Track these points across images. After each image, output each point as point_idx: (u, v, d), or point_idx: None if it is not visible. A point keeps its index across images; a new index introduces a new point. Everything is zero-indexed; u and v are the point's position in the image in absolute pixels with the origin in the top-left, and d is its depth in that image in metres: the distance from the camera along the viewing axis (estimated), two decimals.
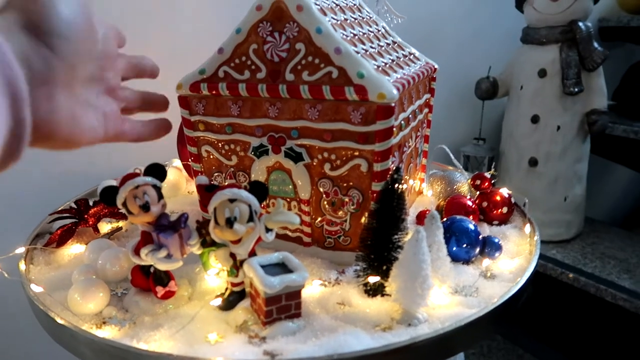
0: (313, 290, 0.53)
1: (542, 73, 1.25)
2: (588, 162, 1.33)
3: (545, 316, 1.46)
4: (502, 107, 1.42)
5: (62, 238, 0.63)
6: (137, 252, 0.50)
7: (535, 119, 1.27)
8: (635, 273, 1.19)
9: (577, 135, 1.27)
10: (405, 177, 0.67)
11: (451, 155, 0.78)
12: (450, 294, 0.52)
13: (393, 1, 0.82)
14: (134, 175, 0.50)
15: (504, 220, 0.68)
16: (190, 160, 0.67)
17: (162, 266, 0.49)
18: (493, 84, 1.33)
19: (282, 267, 0.49)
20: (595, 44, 1.20)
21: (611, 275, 1.19)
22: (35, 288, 0.51)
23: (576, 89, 1.20)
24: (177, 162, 0.86)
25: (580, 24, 1.20)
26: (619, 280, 1.16)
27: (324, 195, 0.59)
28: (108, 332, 0.47)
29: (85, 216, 0.66)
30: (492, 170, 0.72)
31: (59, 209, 0.69)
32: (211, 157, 0.65)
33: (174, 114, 0.83)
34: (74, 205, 0.67)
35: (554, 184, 1.29)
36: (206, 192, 0.50)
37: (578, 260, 1.25)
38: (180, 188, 0.81)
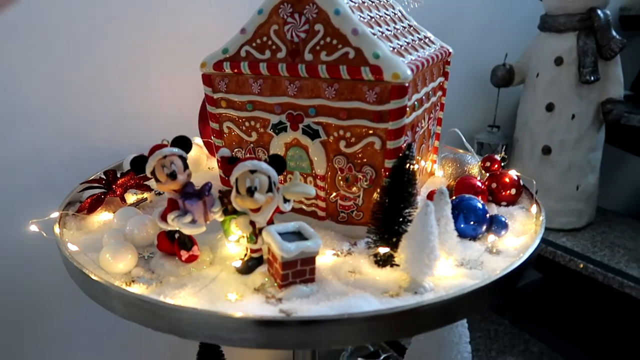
0: (326, 259, 0.57)
1: (559, 61, 1.25)
2: (602, 151, 1.34)
3: (553, 302, 1.48)
4: (518, 95, 1.42)
5: (92, 206, 0.67)
6: (163, 217, 0.54)
7: (550, 107, 1.28)
8: None
9: (592, 124, 1.27)
10: (417, 157, 0.69)
11: (463, 138, 0.81)
12: (455, 266, 0.55)
13: None
14: (161, 146, 0.53)
15: (512, 201, 0.70)
16: (212, 136, 0.70)
17: (187, 231, 0.52)
18: (509, 71, 1.34)
19: (297, 235, 0.52)
20: (614, 32, 1.20)
21: (620, 263, 1.20)
22: (72, 247, 0.55)
23: (592, 78, 1.20)
24: (198, 140, 0.89)
25: (599, 11, 1.20)
26: (627, 269, 1.17)
27: (339, 172, 0.62)
28: (137, 290, 0.51)
29: (113, 186, 0.70)
30: (502, 153, 0.74)
31: (89, 179, 0.73)
32: (232, 133, 0.68)
33: (196, 93, 0.87)
34: (103, 176, 0.71)
35: (567, 172, 1.30)
36: (228, 163, 0.53)
37: (587, 249, 1.27)
38: (201, 164, 0.85)
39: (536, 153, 1.32)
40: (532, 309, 1.47)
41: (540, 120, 1.30)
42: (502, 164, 0.73)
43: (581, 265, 1.21)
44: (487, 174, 0.73)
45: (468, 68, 1.45)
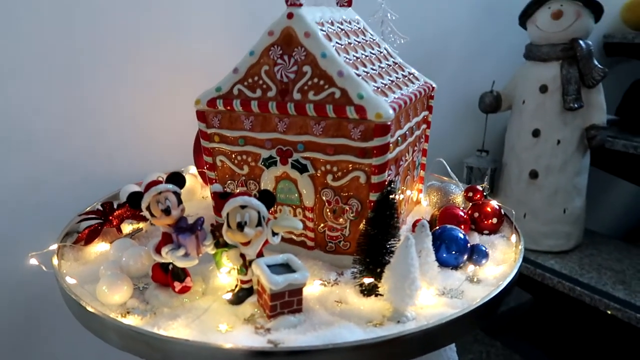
0: (314, 289, 0.59)
1: (544, 89, 1.29)
2: (589, 175, 1.38)
3: (543, 324, 1.50)
4: (505, 121, 1.46)
5: (90, 237, 0.69)
6: (158, 250, 0.56)
7: (536, 133, 1.32)
8: (630, 284, 1.23)
9: (577, 149, 1.31)
10: (402, 188, 0.72)
11: (448, 168, 0.84)
12: (437, 295, 0.58)
13: (399, 19, 0.88)
14: (156, 182, 0.56)
15: (493, 230, 0.73)
16: (205, 168, 0.73)
17: (180, 263, 0.55)
18: (496, 98, 1.38)
19: (286, 267, 0.55)
20: (595, 62, 1.25)
21: (606, 285, 1.23)
22: (70, 280, 0.57)
23: (576, 105, 1.25)
24: (193, 169, 0.92)
25: (581, 42, 1.25)
26: (613, 291, 1.20)
27: (327, 204, 0.65)
28: (132, 321, 0.53)
29: (110, 217, 0.72)
30: (485, 183, 0.78)
31: (86, 210, 0.75)
32: (225, 166, 0.71)
33: (191, 125, 0.90)
34: (100, 208, 0.73)
35: (553, 196, 1.33)
36: (220, 198, 0.56)
37: (575, 271, 1.29)
38: (195, 193, 0.88)
39: (524, 177, 1.35)
40: (524, 330, 1.49)
41: (526, 145, 1.34)
42: (485, 194, 0.76)
43: (566, 287, 1.24)
44: (470, 204, 0.76)
45: (457, 94, 1.50)
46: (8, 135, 0.87)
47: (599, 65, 1.25)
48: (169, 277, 0.58)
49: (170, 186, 0.56)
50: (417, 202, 0.83)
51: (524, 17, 1.34)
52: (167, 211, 0.54)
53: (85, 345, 1.01)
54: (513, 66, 1.42)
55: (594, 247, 1.43)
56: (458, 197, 0.78)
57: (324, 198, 0.65)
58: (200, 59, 1.03)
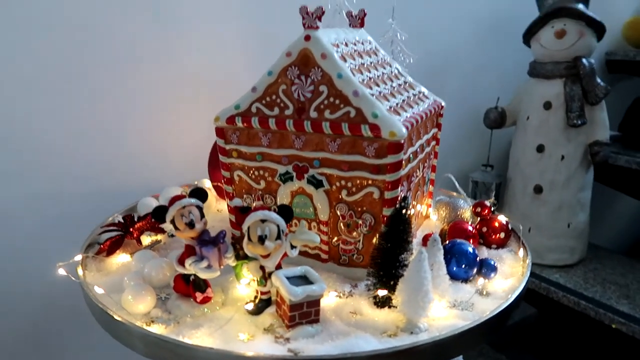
0: (329, 300, 0.62)
1: (548, 105, 1.32)
2: (592, 190, 1.40)
3: (548, 337, 1.51)
4: (510, 136, 1.49)
5: (111, 248, 0.72)
6: (181, 262, 0.59)
7: (540, 149, 1.34)
8: (634, 299, 1.25)
9: (581, 165, 1.34)
10: (413, 202, 0.75)
11: (456, 183, 0.86)
12: (448, 307, 0.60)
13: (405, 41, 0.91)
14: (180, 197, 0.59)
15: (501, 244, 0.76)
16: (222, 182, 0.76)
17: (203, 275, 0.57)
18: (501, 114, 1.41)
19: (303, 279, 0.57)
20: (598, 80, 1.28)
21: (611, 300, 1.24)
22: (98, 290, 0.60)
23: (579, 122, 1.27)
24: (208, 183, 0.95)
25: (584, 60, 1.28)
26: (617, 305, 1.21)
27: (341, 218, 0.67)
28: (156, 330, 0.55)
29: (131, 229, 0.75)
30: (492, 199, 0.80)
31: (107, 222, 0.78)
32: (242, 180, 0.74)
33: (206, 140, 0.93)
34: (121, 220, 0.76)
35: (558, 211, 1.35)
36: (241, 212, 0.59)
37: (580, 285, 1.31)
38: (210, 206, 0.90)
39: (528, 192, 1.38)
40: (529, 344, 1.50)
41: (531, 161, 1.36)
42: (492, 209, 0.79)
43: (571, 301, 1.25)
44: (478, 219, 0.78)
45: (462, 110, 1.53)
46: (30, 149, 0.90)
47: (602, 83, 1.28)
48: (190, 287, 0.60)
49: (193, 200, 0.59)
50: (427, 217, 0.85)
51: (528, 36, 1.37)
52: (191, 224, 0.57)
53: (103, 353, 1.03)
54: (517, 83, 1.45)
55: (598, 261, 1.44)
56: (466, 211, 0.80)
57: (338, 212, 0.67)
58: (216, 77, 1.07)
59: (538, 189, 1.35)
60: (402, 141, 0.61)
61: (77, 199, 0.96)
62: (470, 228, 0.73)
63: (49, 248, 0.84)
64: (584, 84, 1.28)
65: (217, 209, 0.91)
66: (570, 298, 1.26)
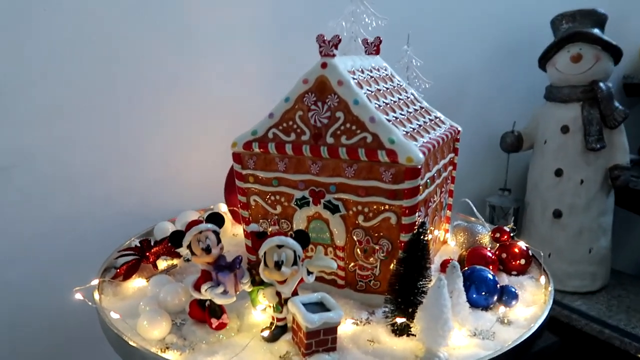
0: (346, 328, 0.60)
1: (565, 129, 1.31)
2: (614, 214, 1.37)
3: None
4: (527, 159, 1.48)
5: (128, 272, 0.72)
6: (197, 287, 0.59)
7: (559, 172, 1.33)
8: None
9: (601, 189, 1.31)
10: (431, 228, 0.74)
11: (474, 208, 0.85)
12: (469, 336, 0.59)
13: (420, 67, 0.91)
14: (197, 222, 0.59)
15: (521, 271, 0.74)
16: (239, 207, 0.76)
17: (219, 300, 0.57)
18: (518, 137, 1.40)
19: (320, 306, 0.56)
20: (616, 103, 1.27)
21: (636, 328, 1.20)
22: (114, 315, 0.60)
23: (598, 146, 1.26)
24: (223, 207, 0.96)
25: (601, 84, 1.27)
26: None
27: (357, 243, 0.67)
28: (171, 356, 0.55)
29: (147, 254, 0.75)
30: (511, 224, 0.79)
31: (124, 246, 0.78)
32: (258, 205, 0.74)
33: (221, 165, 0.94)
34: (137, 244, 0.76)
35: (578, 235, 1.33)
36: (257, 238, 0.59)
37: (603, 313, 1.27)
38: (226, 231, 0.90)
39: (547, 216, 1.35)
40: None
41: (549, 184, 1.34)
42: (512, 235, 0.77)
43: (594, 330, 1.21)
44: (497, 244, 0.77)
45: (478, 134, 1.52)
46: (50, 175, 0.92)
47: (620, 107, 1.27)
48: (206, 313, 0.60)
49: (210, 225, 0.59)
50: (444, 242, 0.84)
51: (544, 60, 1.37)
52: (207, 250, 0.57)
53: None
54: (533, 106, 1.45)
55: (622, 287, 1.40)
56: (485, 237, 0.79)
57: (355, 238, 0.67)
58: (233, 103, 1.08)
59: (557, 214, 1.33)
60: (419, 166, 0.60)
61: (94, 222, 0.97)
62: (489, 254, 0.72)
63: (66, 271, 0.84)
64: (602, 107, 1.27)
65: (233, 234, 0.91)
66: (593, 326, 1.23)
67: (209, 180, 1.06)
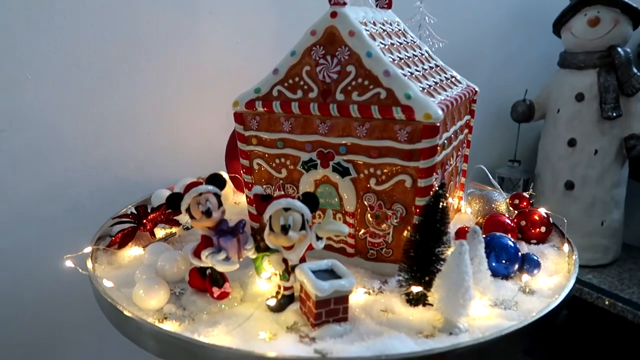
0: (357, 297, 0.56)
1: (580, 97, 1.26)
2: (627, 187, 1.32)
3: (579, 341, 1.44)
4: (538, 130, 1.42)
5: (123, 240, 0.68)
6: (197, 254, 0.54)
7: (572, 143, 1.28)
8: None
9: (615, 159, 1.27)
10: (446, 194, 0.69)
11: (489, 175, 0.81)
12: (490, 306, 0.55)
13: (433, 26, 0.86)
14: (197, 183, 0.54)
15: (542, 239, 0.70)
16: (242, 172, 0.71)
17: (221, 268, 0.53)
18: (529, 107, 1.35)
19: (330, 273, 0.52)
20: (635, 69, 1.21)
21: None
22: (107, 283, 0.56)
23: (614, 114, 1.20)
24: (225, 175, 0.91)
25: (619, 49, 1.21)
26: None
27: (369, 209, 0.62)
28: (169, 327, 0.51)
29: (144, 221, 0.71)
30: (530, 190, 0.74)
31: (120, 213, 0.74)
32: (262, 169, 0.69)
33: (222, 131, 0.89)
34: (134, 211, 0.72)
35: (590, 208, 1.28)
36: (262, 201, 0.54)
37: (615, 286, 1.24)
38: (227, 199, 0.86)
39: (559, 188, 1.31)
40: (558, 347, 1.43)
41: (562, 155, 1.29)
42: (531, 201, 0.73)
43: (607, 302, 1.18)
44: (516, 212, 0.72)
45: (488, 104, 1.46)
46: (43, 140, 0.87)
47: (638, 73, 1.21)
48: (207, 282, 0.55)
49: (211, 187, 0.54)
50: (458, 210, 0.80)
51: (559, 25, 1.30)
52: (208, 213, 0.52)
53: (103, 350, 1.00)
54: (546, 74, 1.39)
55: (633, 261, 1.37)
56: (502, 205, 0.75)
57: (366, 203, 0.62)
58: (234, 64, 1.03)
59: (569, 185, 1.29)
60: (438, 124, 0.55)
61: (90, 190, 0.93)
62: (508, 221, 0.68)
63: (60, 240, 0.80)
64: (619, 74, 1.22)
65: (235, 202, 0.87)
66: (605, 300, 1.19)
67: (209, 147, 1.02)
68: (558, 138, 1.30)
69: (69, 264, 0.58)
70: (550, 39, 1.34)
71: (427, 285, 0.53)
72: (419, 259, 0.54)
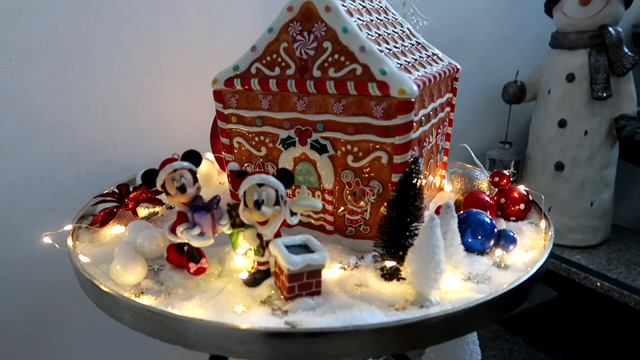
0: (333, 272, 0.57)
1: (571, 77, 1.25)
2: (617, 168, 1.33)
3: (568, 321, 1.46)
4: (529, 111, 1.42)
5: (105, 219, 0.68)
6: (173, 230, 0.55)
7: (562, 124, 1.27)
8: None
9: (605, 140, 1.27)
10: (425, 172, 0.70)
11: (472, 153, 0.81)
12: (462, 280, 0.55)
13: (422, 5, 0.85)
14: (172, 160, 0.55)
15: (521, 216, 0.70)
16: (222, 151, 0.72)
17: (196, 243, 0.53)
18: (520, 88, 1.34)
19: (304, 248, 0.53)
20: (625, 49, 1.20)
21: (636, 281, 1.18)
22: (83, 259, 0.56)
23: (604, 94, 1.20)
24: (210, 155, 0.91)
25: (610, 28, 1.20)
26: None
27: (347, 186, 0.63)
28: (145, 301, 0.51)
29: (126, 200, 0.71)
30: (511, 168, 0.74)
31: (102, 192, 0.74)
32: (242, 148, 0.69)
33: (207, 112, 0.88)
34: (116, 190, 0.72)
35: (580, 189, 1.29)
36: (237, 177, 0.54)
37: (603, 266, 1.25)
38: (212, 179, 0.86)
39: (549, 169, 1.31)
40: (547, 327, 1.44)
41: (552, 136, 1.29)
42: (511, 179, 0.73)
43: (598, 284, 1.19)
44: (496, 189, 0.73)
45: (479, 85, 1.46)
46: (27, 123, 0.87)
47: (630, 53, 1.20)
48: (184, 258, 0.56)
49: (185, 164, 0.54)
50: (440, 189, 0.80)
51: (550, 4, 1.29)
52: (182, 189, 0.53)
53: (94, 329, 1.01)
54: (537, 55, 1.38)
55: (622, 242, 1.38)
56: (483, 183, 0.75)
57: (344, 180, 0.63)
58: (220, 47, 1.02)
59: (559, 166, 1.29)
60: (413, 99, 0.55)
61: (76, 172, 0.93)
62: (487, 198, 0.68)
63: (44, 221, 0.81)
64: (610, 54, 1.21)
65: (220, 182, 0.87)
66: (592, 280, 1.20)
67: (194, 129, 1.02)
68: (549, 119, 1.30)
69: (46, 240, 0.58)
70: (543, 20, 1.33)
71: (401, 260, 0.54)
72: (393, 234, 0.54)
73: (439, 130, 0.73)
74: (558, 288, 1.42)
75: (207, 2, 0.99)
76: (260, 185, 0.51)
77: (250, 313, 0.49)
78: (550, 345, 1.37)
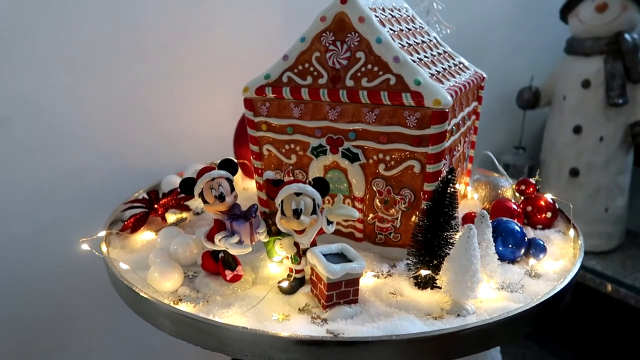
0: (367, 280, 0.58)
1: (586, 84, 1.26)
2: (631, 174, 1.33)
3: (582, 326, 1.46)
4: (543, 117, 1.43)
5: (136, 225, 0.69)
6: (210, 238, 0.55)
7: (577, 130, 1.28)
8: None
9: (621, 146, 1.27)
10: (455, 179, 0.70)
11: (496, 161, 0.81)
12: (496, 289, 0.56)
13: (440, 12, 0.86)
14: (209, 168, 0.55)
15: (547, 224, 0.71)
16: (252, 158, 0.72)
17: (234, 251, 0.54)
18: (535, 93, 1.35)
19: (341, 257, 0.53)
20: None
21: None
22: (123, 266, 0.57)
23: (620, 101, 1.21)
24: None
25: (627, 35, 1.21)
26: None
27: (377, 194, 0.63)
28: (184, 308, 0.52)
29: (156, 206, 0.72)
30: (537, 176, 0.75)
31: (132, 198, 0.75)
32: (272, 155, 0.70)
33: (230, 117, 0.89)
34: (145, 196, 0.73)
35: (595, 195, 1.29)
36: (273, 186, 0.55)
37: (618, 272, 1.25)
38: (236, 185, 0.86)
39: (563, 175, 1.32)
40: (561, 332, 1.44)
41: (567, 142, 1.30)
42: (537, 187, 0.73)
43: (609, 288, 1.20)
44: (522, 197, 0.73)
45: (494, 90, 1.45)
46: (54, 128, 0.88)
47: None
48: (219, 265, 0.57)
49: (223, 172, 0.55)
50: (464, 196, 0.81)
51: (566, 11, 1.30)
52: (221, 197, 0.53)
53: (114, 331, 1.02)
54: (552, 61, 1.39)
55: (637, 248, 1.38)
56: (508, 191, 0.75)
57: (374, 188, 0.63)
58: (242, 52, 1.03)
59: (574, 172, 1.29)
60: (447, 110, 0.56)
61: (100, 176, 0.94)
62: (514, 207, 0.69)
63: (71, 226, 0.81)
64: (626, 60, 1.21)
65: (243, 188, 0.88)
66: (608, 285, 1.20)
67: (217, 134, 1.03)
68: (564, 125, 1.31)
69: (85, 247, 0.59)
70: (558, 26, 1.34)
71: (435, 269, 0.55)
72: (427, 243, 0.55)
73: (466, 139, 0.74)
74: (572, 293, 1.42)
75: (229, 8, 1.00)
76: (297, 194, 0.52)
77: (290, 321, 0.50)
78: (563, 351, 1.37)
